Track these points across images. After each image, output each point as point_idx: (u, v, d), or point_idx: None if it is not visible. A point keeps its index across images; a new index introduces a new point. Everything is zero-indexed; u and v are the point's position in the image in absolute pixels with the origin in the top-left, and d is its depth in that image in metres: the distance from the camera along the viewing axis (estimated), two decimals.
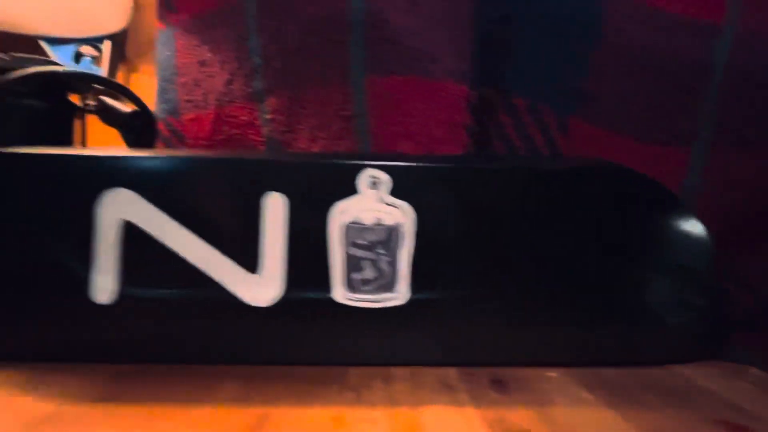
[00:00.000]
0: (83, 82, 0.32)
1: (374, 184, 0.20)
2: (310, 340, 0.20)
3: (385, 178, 0.20)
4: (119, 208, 0.19)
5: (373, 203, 0.20)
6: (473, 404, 0.16)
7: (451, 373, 0.19)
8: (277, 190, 0.20)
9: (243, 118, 0.37)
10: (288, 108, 0.34)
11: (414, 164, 0.20)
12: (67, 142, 0.32)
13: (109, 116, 0.35)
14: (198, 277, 0.19)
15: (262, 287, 0.19)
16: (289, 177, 0.20)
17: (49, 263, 0.19)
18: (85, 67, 0.51)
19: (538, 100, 0.29)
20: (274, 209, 0.20)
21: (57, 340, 0.19)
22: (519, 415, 0.15)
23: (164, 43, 0.40)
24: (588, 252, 0.21)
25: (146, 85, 0.53)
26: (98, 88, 0.35)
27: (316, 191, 0.20)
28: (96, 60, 0.51)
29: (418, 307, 0.20)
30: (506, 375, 0.19)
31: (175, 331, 0.19)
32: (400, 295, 0.20)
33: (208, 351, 0.19)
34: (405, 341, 0.20)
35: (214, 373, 0.18)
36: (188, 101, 0.39)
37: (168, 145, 0.40)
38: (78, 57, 0.50)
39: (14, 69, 0.29)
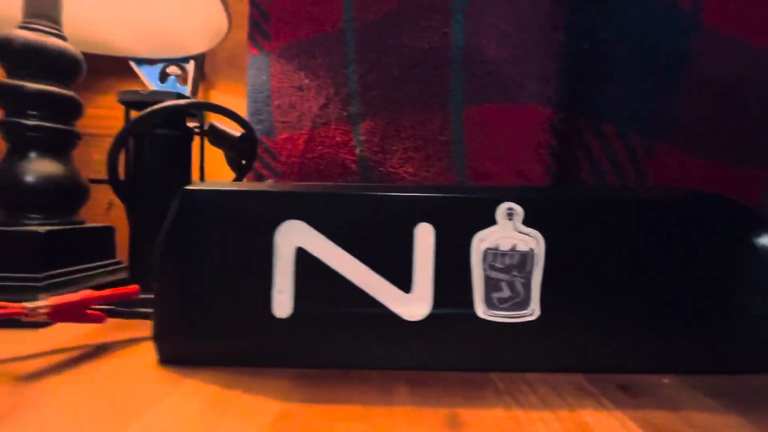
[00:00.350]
0: (201, 109, 0.36)
1: (510, 215, 0.23)
2: (455, 349, 0.23)
3: (519, 209, 0.23)
4: (293, 236, 0.23)
5: (509, 232, 0.23)
6: (617, 407, 0.19)
7: (579, 378, 0.22)
8: (426, 221, 0.23)
9: (337, 138, 0.40)
10: (382, 131, 0.38)
11: (545, 197, 0.23)
12: (188, 163, 0.36)
13: (218, 138, 0.38)
14: (360, 295, 0.23)
15: (414, 304, 0.23)
16: (437, 210, 0.23)
17: (238, 284, 0.23)
18: (170, 85, 0.54)
19: (627, 126, 0.31)
20: (424, 237, 0.23)
21: (247, 348, 0.23)
22: (662, 418, 0.18)
23: (258, 67, 0.44)
24: (695, 274, 0.23)
25: (223, 101, 0.56)
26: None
27: (460, 222, 0.23)
28: (180, 78, 0.54)
29: (548, 322, 0.23)
30: (628, 380, 0.22)
31: (341, 341, 0.23)
32: (532, 311, 0.23)
33: (369, 358, 0.23)
34: (537, 351, 0.23)
35: (379, 378, 0.22)
36: (284, 122, 0.42)
37: (261, 162, 0.44)
38: (164, 76, 0.54)
39: (151, 103, 0.33)
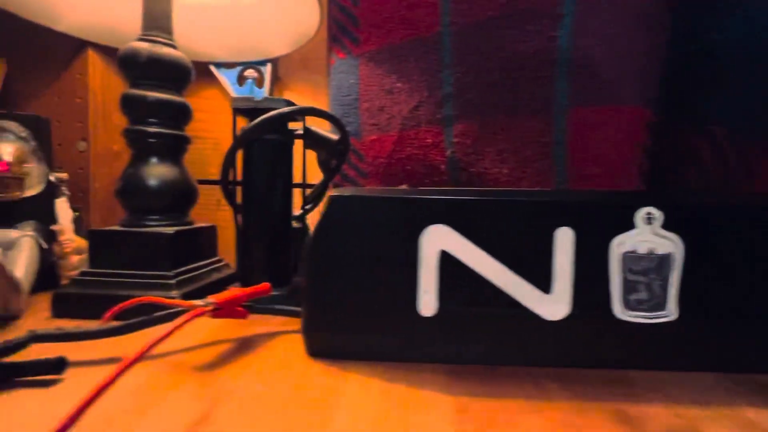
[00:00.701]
0: (307, 114, 0.37)
1: (649, 220, 0.24)
2: (594, 348, 0.24)
3: (658, 214, 0.23)
4: (438, 240, 0.24)
5: (647, 236, 0.24)
6: None
7: (718, 377, 0.23)
8: (566, 225, 0.24)
9: (428, 140, 0.41)
10: (477, 132, 0.38)
11: (685, 202, 0.24)
12: (290, 166, 0.38)
13: (315, 142, 0.40)
14: (501, 296, 0.24)
15: (554, 305, 0.24)
16: (577, 214, 0.24)
17: (385, 284, 0.24)
18: (247, 88, 0.56)
19: (738, 128, 0.31)
20: (564, 241, 0.24)
21: (393, 344, 0.24)
22: None
23: (344, 71, 0.45)
24: None
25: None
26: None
27: (599, 226, 0.24)
28: (256, 81, 0.56)
29: (687, 323, 0.23)
30: (765, 380, 0.23)
31: (484, 339, 0.24)
32: (670, 312, 0.24)
33: (511, 355, 0.24)
34: (675, 351, 0.24)
35: (524, 374, 0.23)
36: (372, 125, 0.43)
37: (348, 163, 0.45)
38: (242, 79, 0.56)
39: (263, 110, 0.35)
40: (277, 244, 0.37)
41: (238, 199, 0.38)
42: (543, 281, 0.24)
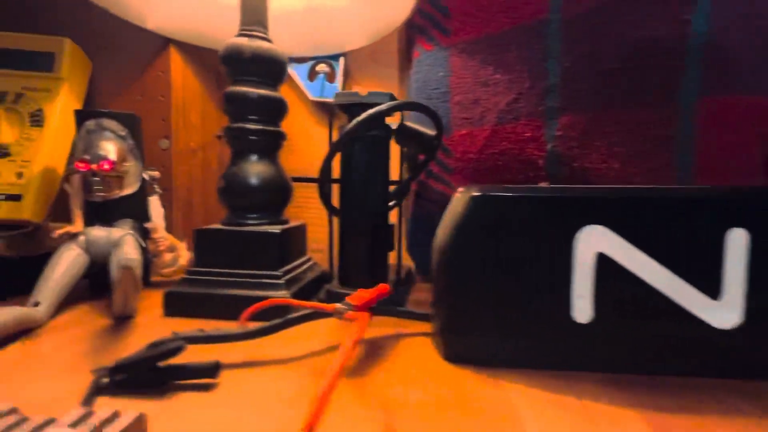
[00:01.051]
0: (409, 109, 0.36)
1: None
2: None
3: None
4: (594, 242, 0.23)
5: None
6: None
7: None
8: (740, 226, 0.22)
9: (526, 134, 0.39)
10: (585, 125, 0.36)
11: None
12: (387, 162, 0.37)
13: (409, 137, 0.39)
14: (664, 301, 0.22)
15: (724, 312, 0.22)
16: (753, 214, 0.22)
17: (534, 287, 0.23)
18: (319, 83, 0.56)
19: None
20: (737, 243, 0.22)
21: (543, 350, 0.23)
22: None
23: (432, 63, 0.43)
24: None
25: None
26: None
27: None
28: (327, 76, 0.55)
29: None
30: None
31: (644, 347, 0.23)
32: None
33: (674, 364, 0.23)
34: None
35: (685, 385, 0.21)
36: (464, 119, 0.42)
37: (434, 159, 0.44)
38: (313, 74, 0.56)
39: (367, 104, 0.34)
40: (377, 243, 0.36)
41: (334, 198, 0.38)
42: (711, 287, 0.22)
